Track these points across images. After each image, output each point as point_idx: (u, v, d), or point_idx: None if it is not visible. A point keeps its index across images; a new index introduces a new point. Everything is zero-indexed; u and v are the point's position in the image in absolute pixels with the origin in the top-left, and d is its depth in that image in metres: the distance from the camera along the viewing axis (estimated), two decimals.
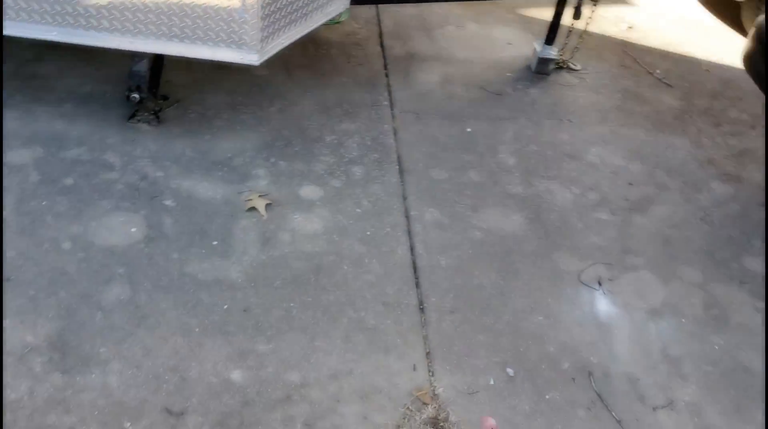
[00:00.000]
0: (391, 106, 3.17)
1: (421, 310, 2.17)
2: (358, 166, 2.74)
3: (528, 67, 3.68)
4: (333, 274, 2.24)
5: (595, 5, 3.48)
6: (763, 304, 2.42)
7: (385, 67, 3.49)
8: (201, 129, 2.80)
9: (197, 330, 2.00)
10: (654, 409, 2.00)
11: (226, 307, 2.08)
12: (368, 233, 2.42)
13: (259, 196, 2.50)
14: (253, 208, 2.44)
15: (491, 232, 2.53)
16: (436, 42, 3.82)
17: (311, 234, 2.38)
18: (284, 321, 2.06)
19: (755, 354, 2.22)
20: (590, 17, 3.60)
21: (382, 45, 3.68)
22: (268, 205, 2.47)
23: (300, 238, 2.35)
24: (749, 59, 2.83)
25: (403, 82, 3.38)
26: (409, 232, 2.46)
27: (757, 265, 2.60)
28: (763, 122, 3.56)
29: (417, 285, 2.25)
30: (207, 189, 2.51)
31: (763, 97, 2.75)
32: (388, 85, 3.33)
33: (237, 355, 1.95)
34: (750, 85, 3.41)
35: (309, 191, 2.58)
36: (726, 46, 4.29)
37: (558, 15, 3.50)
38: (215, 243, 2.29)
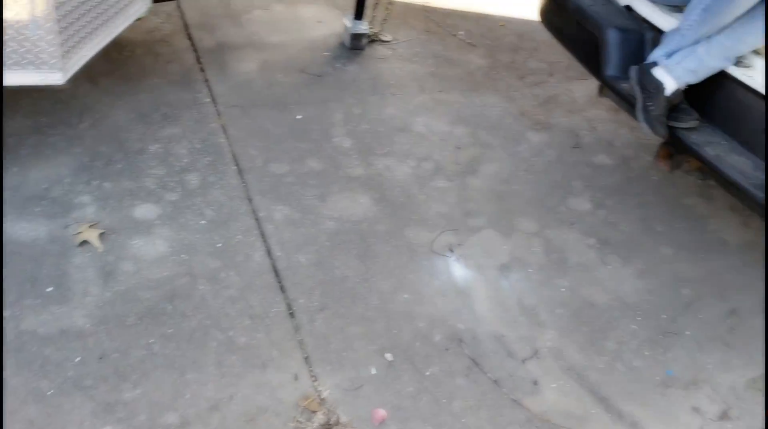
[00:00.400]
0: (214, 102, 2.98)
1: (291, 315, 2.08)
2: (192, 174, 2.55)
3: (342, 44, 3.62)
4: (190, 297, 2.08)
5: None
6: (593, 240, 2.59)
7: (198, 60, 3.27)
8: (5, 161, 2.46)
9: (51, 392, 1.77)
10: (523, 361, 2.08)
11: (78, 359, 1.86)
12: (219, 245, 2.27)
13: (89, 226, 2.24)
14: (85, 242, 2.19)
15: (343, 220, 2.48)
16: (245, 28, 3.63)
17: (157, 258, 2.19)
18: (147, 360, 1.88)
19: (594, 289, 2.38)
20: None
21: (190, 38, 3.44)
22: (101, 235, 2.23)
23: (145, 266, 2.15)
24: (544, 14, 2.97)
25: (221, 74, 3.19)
26: (263, 235, 2.34)
27: (579, 204, 2.77)
28: (560, 69, 3.78)
29: (282, 289, 2.16)
30: (27, 229, 2.21)
31: (556, 45, 2.90)
32: (206, 80, 3.13)
33: (102, 409, 1.75)
34: (542, 36, 3.58)
35: (144, 211, 2.36)
36: (515, 1, 4.50)
37: None
38: (50, 289, 2.03)
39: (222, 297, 2.09)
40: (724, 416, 2.03)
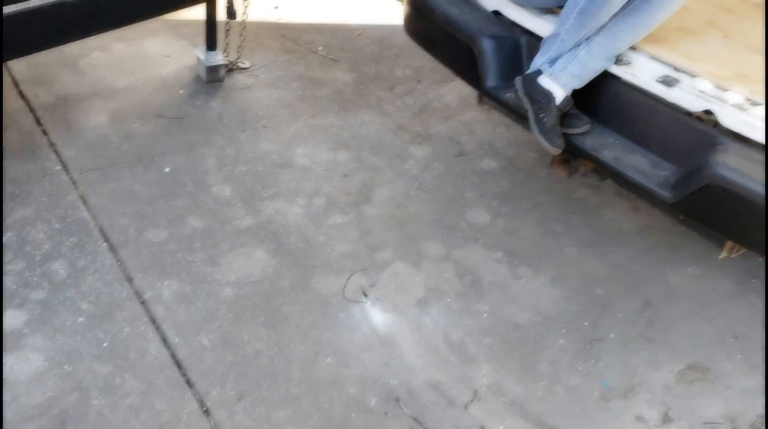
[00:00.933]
0: (66, 169, 2.58)
1: (206, 412, 1.80)
2: (57, 262, 2.17)
3: (198, 79, 3.29)
4: (84, 417, 1.75)
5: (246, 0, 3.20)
6: (500, 253, 2.49)
7: (38, 122, 2.83)
8: None
9: None
10: (465, 407, 1.94)
11: None
12: (105, 344, 1.94)
13: None
14: None
15: (242, 283, 2.21)
16: (86, 75, 3.21)
17: (34, 376, 1.82)
18: None
19: (514, 307, 2.29)
20: (245, 13, 3.30)
21: (23, 96, 2.97)
22: None
23: (22, 390, 1.78)
24: (410, 28, 2.82)
25: (68, 134, 2.78)
26: (153, 321, 2.03)
27: (477, 216, 2.67)
28: (426, 74, 3.67)
29: (189, 384, 1.87)
30: None
31: (418, 49, 2.77)
32: (51, 144, 2.71)
33: None
34: (401, 40, 3.45)
35: (7, 319, 1.97)
36: (365, 7, 4.33)
37: (211, 17, 3.15)
38: None
39: (122, 408, 1.77)
40: (666, 419, 2.00)
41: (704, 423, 1.99)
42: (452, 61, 2.60)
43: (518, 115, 2.26)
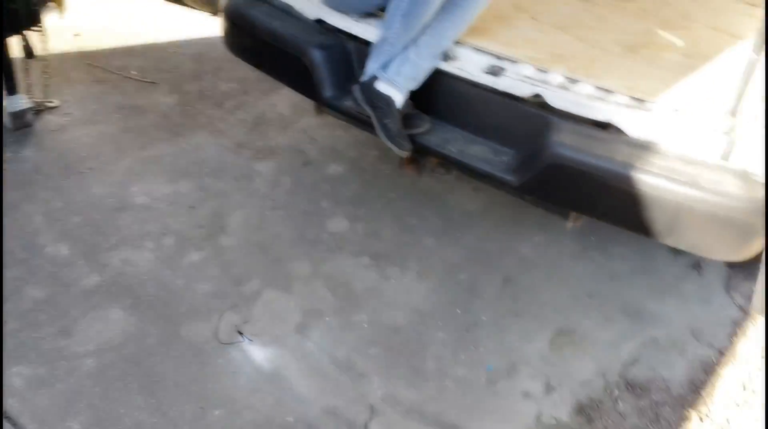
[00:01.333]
0: None
1: None
2: None
3: (4, 127, 2.92)
4: None
5: (44, 35, 2.88)
6: (366, 258, 2.48)
7: None
8: None
9: None
10: (365, 426, 1.91)
11: None
12: None
13: None
14: None
15: (103, 350, 2.00)
16: None
17: None
18: None
19: (391, 311, 2.29)
20: (45, 48, 2.97)
21: None
22: None
23: None
24: (232, 45, 2.70)
25: None
26: (9, 418, 1.78)
27: (337, 225, 2.63)
28: (253, 85, 3.55)
29: None
30: None
31: (239, 60, 2.66)
32: None
33: None
34: (219, 53, 3.27)
35: None
36: (174, 23, 4.10)
37: (6, 58, 2.80)
38: None
39: None
40: (548, 388, 2.10)
41: (581, 384, 2.12)
42: (283, 75, 2.52)
43: (361, 122, 2.24)
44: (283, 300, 2.27)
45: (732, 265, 2.59)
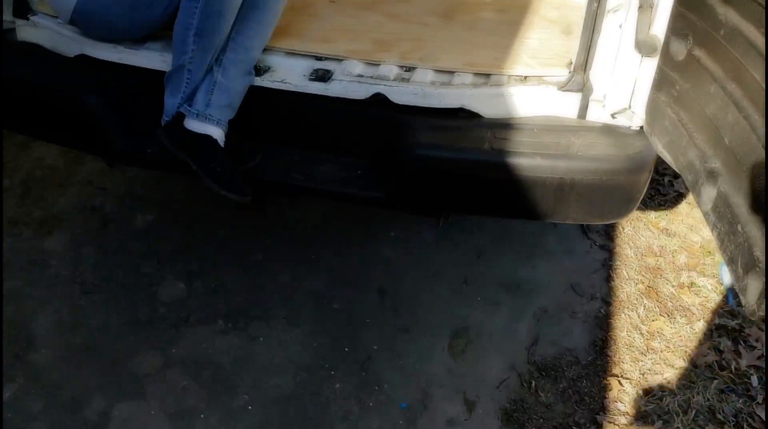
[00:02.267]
0: None
1: None
2: None
3: None
4: None
5: None
6: (221, 322, 2.09)
7: None
8: None
9: None
10: None
11: None
12: None
13: None
14: None
15: None
16: None
17: None
18: None
19: (275, 377, 1.95)
20: None
21: None
22: None
23: None
24: None
25: None
26: None
27: (170, 289, 2.20)
28: (7, 137, 2.87)
29: None
30: None
31: None
32: None
33: None
34: None
35: None
36: None
37: None
38: None
39: None
40: (470, 405, 1.95)
41: (497, 388, 1.97)
42: (54, 134, 2.00)
43: (176, 168, 1.82)
44: (140, 411, 1.82)
45: None
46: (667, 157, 1.53)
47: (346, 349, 2.05)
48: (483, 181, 1.70)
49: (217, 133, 1.70)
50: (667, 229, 2.61)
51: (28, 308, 2.10)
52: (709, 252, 2.47)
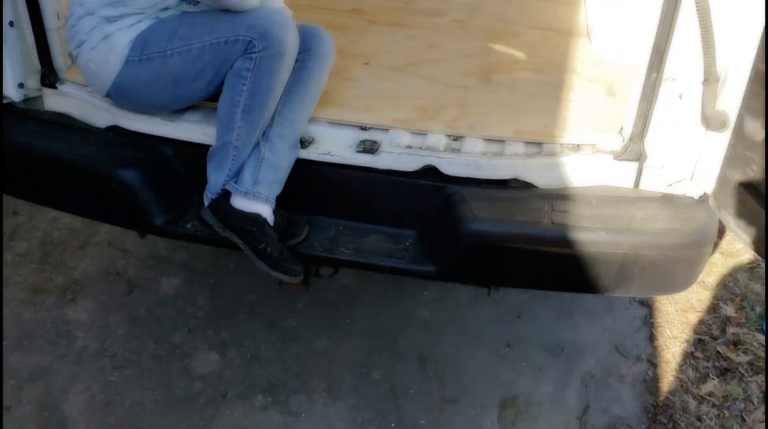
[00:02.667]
0: None
1: None
2: None
3: None
4: None
5: None
6: (261, 397, 2.02)
7: None
8: None
9: None
10: None
11: None
12: None
13: None
14: None
15: None
16: None
17: None
18: None
19: None
20: None
21: None
22: None
23: None
24: None
25: None
26: None
27: (205, 362, 2.13)
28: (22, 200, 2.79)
29: None
30: None
31: None
32: None
33: None
34: None
35: None
36: None
37: None
38: None
39: None
40: None
41: None
42: (87, 209, 1.92)
43: (218, 243, 1.75)
44: None
45: None
46: (741, 235, 1.48)
47: (393, 425, 1.97)
48: (544, 256, 1.64)
49: (266, 210, 1.64)
50: (704, 282, 2.56)
51: (57, 386, 2.01)
52: (751, 307, 2.42)
